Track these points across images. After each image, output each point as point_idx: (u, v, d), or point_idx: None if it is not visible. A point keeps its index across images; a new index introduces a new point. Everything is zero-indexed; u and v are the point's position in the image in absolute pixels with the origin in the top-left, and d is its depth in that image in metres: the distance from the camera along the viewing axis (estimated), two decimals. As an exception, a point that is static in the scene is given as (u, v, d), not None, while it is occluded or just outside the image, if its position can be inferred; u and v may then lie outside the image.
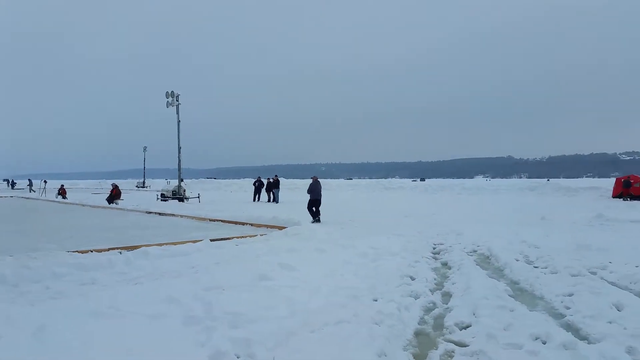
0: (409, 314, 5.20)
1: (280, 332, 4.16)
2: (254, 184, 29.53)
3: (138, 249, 7.71)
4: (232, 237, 9.95)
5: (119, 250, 7.95)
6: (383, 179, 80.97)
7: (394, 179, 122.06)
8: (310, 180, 16.42)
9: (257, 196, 28.94)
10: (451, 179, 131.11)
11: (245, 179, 72.29)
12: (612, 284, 6.55)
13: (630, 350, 4.07)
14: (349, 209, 21.05)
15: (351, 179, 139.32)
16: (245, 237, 10.23)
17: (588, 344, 4.26)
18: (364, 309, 5.03)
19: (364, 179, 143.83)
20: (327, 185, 32.64)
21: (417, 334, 4.72)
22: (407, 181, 74.89)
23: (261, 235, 10.47)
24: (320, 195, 15.82)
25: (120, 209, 20.83)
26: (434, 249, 9.84)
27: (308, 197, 15.89)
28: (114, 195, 25.48)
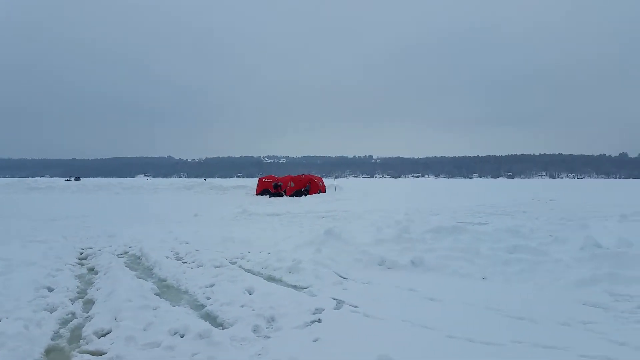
0: (41, 330, 4.57)
1: None
2: None
3: None
4: None
5: None
6: (29, 178, 69.74)
7: (43, 177, 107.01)
8: None
9: None
10: (110, 178, 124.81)
11: None
12: (248, 271, 7.45)
13: (255, 329, 4.68)
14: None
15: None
16: None
17: (222, 329, 4.67)
18: (-25, 336, 4.11)
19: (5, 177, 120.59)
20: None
21: (49, 350, 4.18)
22: (60, 180, 66.90)
23: None
24: None
25: None
26: (80, 254, 9.04)
27: None
28: None
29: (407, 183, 71.53)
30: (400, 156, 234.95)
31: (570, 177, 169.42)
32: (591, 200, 24.03)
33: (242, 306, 5.38)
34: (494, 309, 5.20)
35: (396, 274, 7.11)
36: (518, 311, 5.08)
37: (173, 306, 5.47)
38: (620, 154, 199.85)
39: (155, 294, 6.00)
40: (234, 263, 8.05)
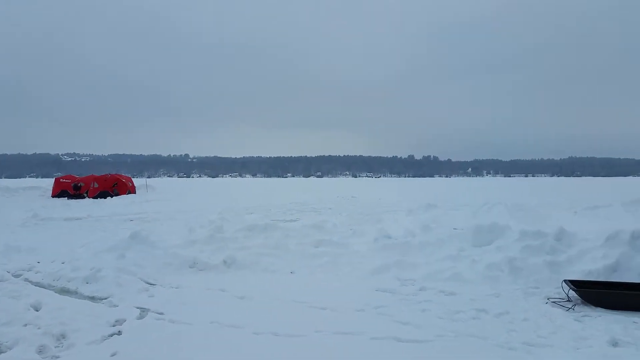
0: None
1: None
2: None
3: None
4: None
5: None
6: None
7: None
8: None
9: None
10: None
11: None
12: (37, 284, 6.48)
13: (41, 350, 4.08)
14: None
15: None
16: None
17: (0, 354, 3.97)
18: None
19: None
20: None
21: None
22: None
23: None
24: None
25: None
26: None
27: None
28: None
29: (224, 182, 71.27)
30: (218, 155, 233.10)
31: (369, 177, 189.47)
32: (385, 197, 27.19)
33: (25, 325, 4.65)
34: (300, 302, 5.45)
35: (208, 275, 6.96)
36: (321, 302, 5.41)
37: None
38: (409, 156, 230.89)
39: None
40: (19, 276, 6.93)
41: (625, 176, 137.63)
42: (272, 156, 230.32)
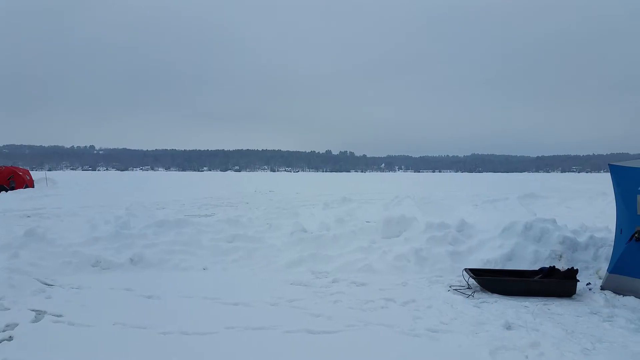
0: None
1: None
2: None
3: None
4: None
5: None
6: None
7: None
8: None
9: None
10: None
11: None
12: None
13: None
14: None
15: None
16: None
17: None
18: None
19: None
20: None
21: None
22: None
23: None
24: None
25: None
26: None
27: None
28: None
29: (134, 176, 67.73)
30: (127, 147, 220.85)
31: (287, 171, 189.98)
32: (303, 191, 27.41)
33: None
34: (212, 299, 5.33)
35: (112, 274, 6.58)
36: (234, 297, 5.33)
37: None
38: (327, 151, 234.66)
39: None
40: None
41: (521, 172, 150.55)
42: (188, 149, 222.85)
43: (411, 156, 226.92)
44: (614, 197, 6.11)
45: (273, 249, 7.75)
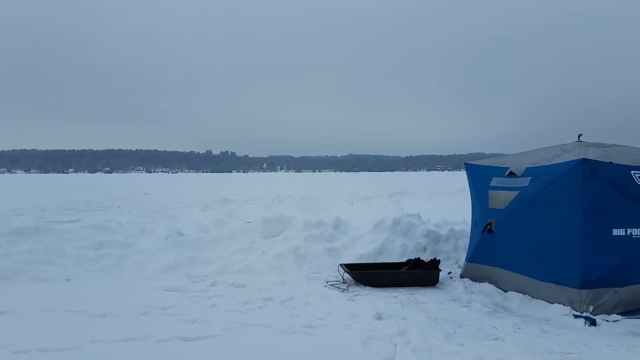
0: None
1: None
2: None
3: None
4: None
5: None
6: None
7: None
8: None
9: None
10: None
11: None
12: None
13: None
14: None
15: None
16: None
17: None
18: None
19: None
20: None
21: None
22: None
23: None
24: None
25: None
26: None
27: None
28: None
29: (-17, 179, 59.58)
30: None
31: (165, 172, 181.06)
32: (182, 193, 26.38)
33: None
34: (76, 311, 4.89)
35: (-49, 292, 5.71)
36: (101, 309, 4.94)
37: None
38: (207, 151, 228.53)
39: None
40: None
41: (392, 171, 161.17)
42: (50, 149, 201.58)
43: (292, 156, 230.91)
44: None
45: (146, 254, 7.34)
